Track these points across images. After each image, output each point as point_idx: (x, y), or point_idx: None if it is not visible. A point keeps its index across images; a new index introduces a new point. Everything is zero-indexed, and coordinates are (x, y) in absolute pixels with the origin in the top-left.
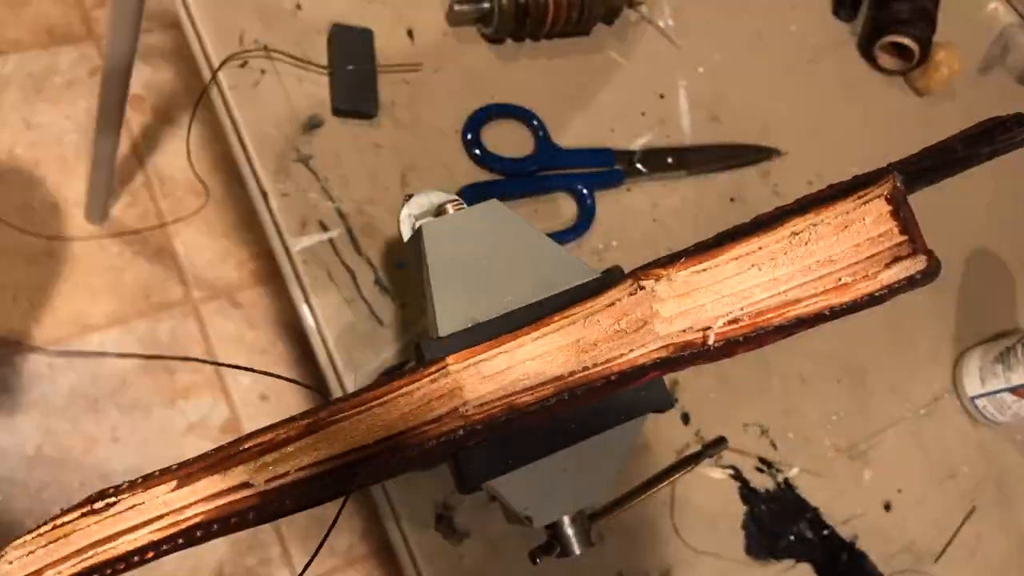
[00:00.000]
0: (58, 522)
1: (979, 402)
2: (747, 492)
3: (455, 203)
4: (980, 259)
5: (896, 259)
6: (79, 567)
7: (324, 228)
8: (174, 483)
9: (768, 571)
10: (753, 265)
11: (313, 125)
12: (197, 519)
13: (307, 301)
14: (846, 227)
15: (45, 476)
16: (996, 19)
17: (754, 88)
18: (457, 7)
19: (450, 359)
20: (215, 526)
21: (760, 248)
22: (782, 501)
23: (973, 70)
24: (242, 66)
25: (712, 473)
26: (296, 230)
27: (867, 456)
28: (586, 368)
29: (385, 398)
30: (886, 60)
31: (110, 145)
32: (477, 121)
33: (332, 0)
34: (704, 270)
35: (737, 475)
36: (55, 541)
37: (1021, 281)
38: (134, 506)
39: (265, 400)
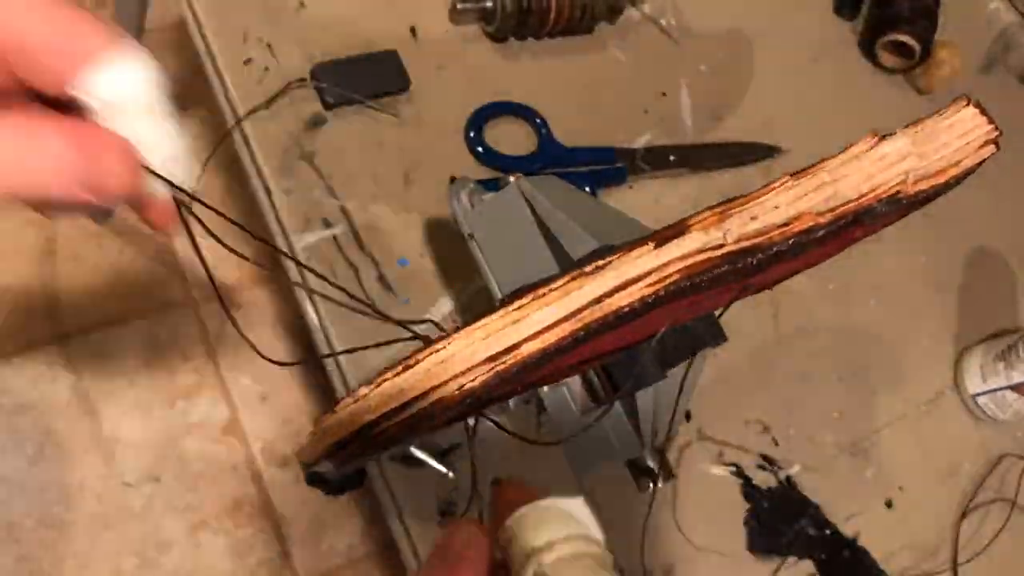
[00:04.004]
0: (553, 286)
1: (980, 399)
2: (749, 489)
3: (514, 175)
4: (981, 257)
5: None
6: (580, 323)
7: (327, 225)
8: (652, 244)
9: (770, 568)
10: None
11: (317, 122)
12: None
13: (310, 298)
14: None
15: (45, 476)
16: (997, 18)
17: (756, 86)
18: (460, 5)
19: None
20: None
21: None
22: (784, 498)
23: (975, 69)
24: (246, 63)
25: (714, 470)
26: (299, 227)
27: (868, 453)
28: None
29: None
30: (888, 58)
31: None
32: (480, 119)
33: None
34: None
35: (739, 472)
36: (563, 299)
37: (1022, 279)
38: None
39: (265, 401)
